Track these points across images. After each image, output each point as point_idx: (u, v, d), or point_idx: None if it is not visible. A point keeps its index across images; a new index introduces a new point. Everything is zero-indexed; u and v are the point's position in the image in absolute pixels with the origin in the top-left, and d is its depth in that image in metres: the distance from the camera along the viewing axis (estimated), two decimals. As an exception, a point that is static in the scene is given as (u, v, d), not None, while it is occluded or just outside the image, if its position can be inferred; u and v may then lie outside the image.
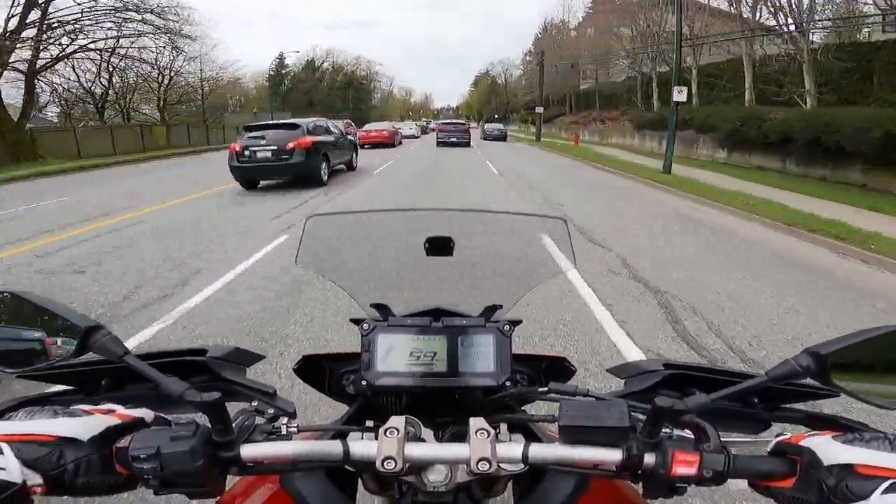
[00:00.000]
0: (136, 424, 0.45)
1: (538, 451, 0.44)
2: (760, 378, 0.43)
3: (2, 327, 0.48)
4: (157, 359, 0.55)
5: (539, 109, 28.89)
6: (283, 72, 68.99)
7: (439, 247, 0.71)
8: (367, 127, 23.21)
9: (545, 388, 0.51)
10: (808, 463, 0.41)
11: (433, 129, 33.52)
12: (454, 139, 22.70)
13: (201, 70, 34.61)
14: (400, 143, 24.25)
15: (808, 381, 0.43)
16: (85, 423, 0.41)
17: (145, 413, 0.46)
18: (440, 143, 22.62)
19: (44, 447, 0.39)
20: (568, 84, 40.84)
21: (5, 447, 0.38)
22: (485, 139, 28.17)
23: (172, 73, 30.38)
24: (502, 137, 28.44)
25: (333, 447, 0.44)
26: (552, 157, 18.08)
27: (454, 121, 26.86)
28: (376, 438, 0.44)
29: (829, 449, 0.40)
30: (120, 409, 0.45)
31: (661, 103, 22.79)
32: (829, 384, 0.41)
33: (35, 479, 0.38)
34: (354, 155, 12.96)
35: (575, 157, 17.06)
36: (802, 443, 0.42)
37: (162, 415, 0.48)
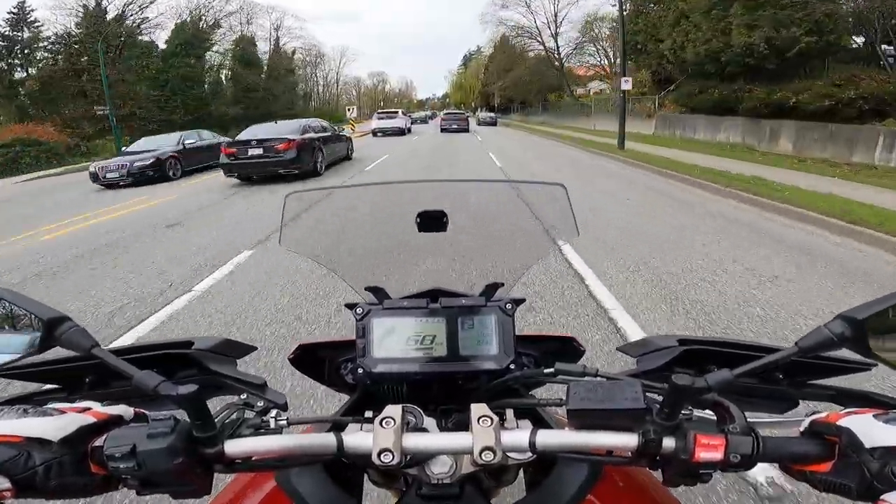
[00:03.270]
0: (114, 422, 0.45)
1: (546, 437, 0.44)
2: (790, 350, 0.41)
3: None
4: (137, 353, 0.55)
5: None
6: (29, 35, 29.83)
7: (432, 222, 0.71)
8: None
9: (552, 370, 0.51)
10: (848, 445, 0.40)
11: (405, 126, 27.91)
12: (455, 126, 30.13)
13: None
14: None
15: (839, 353, 0.42)
16: (56, 423, 0.42)
17: (124, 410, 0.46)
18: (443, 130, 29.92)
19: (10, 449, 0.39)
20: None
21: None
22: (479, 125, 38.29)
23: None
24: (493, 123, 38.95)
25: (326, 440, 0.44)
26: None
27: (455, 112, 36.23)
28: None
29: (870, 429, 0.39)
30: (97, 406, 0.45)
31: None
32: (868, 354, 0.39)
33: (2, 482, 0.38)
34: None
35: None
36: (840, 422, 0.41)
37: (144, 412, 0.48)
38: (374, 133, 26.84)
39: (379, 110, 34.23)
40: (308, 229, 0.81)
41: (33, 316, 0.45)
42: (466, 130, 28.98)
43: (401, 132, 27.21)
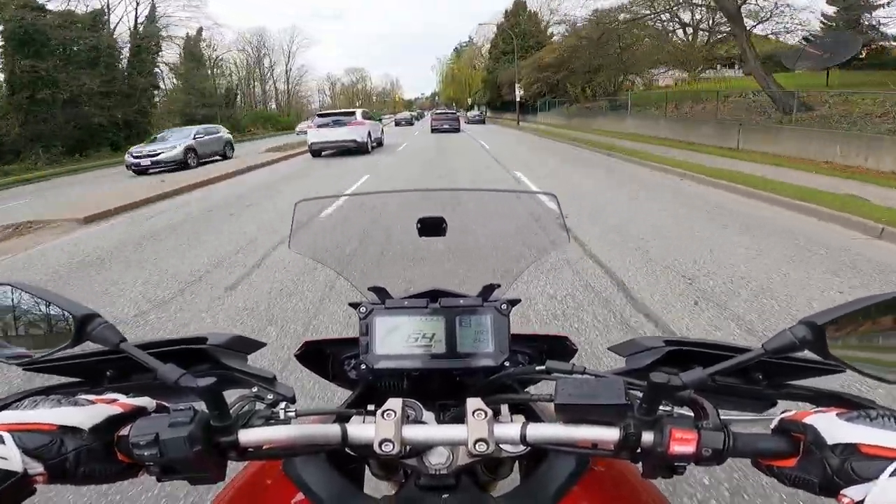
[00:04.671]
0: (138, 413, 0.52)
1: (536, 430, 0.50)
2: (757, 351, 0.48)
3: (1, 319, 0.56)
4: (157, 347, 0.62)
5: None
6: None
7: (431, 227, 0.79)
8: None
9: (543, 367, 0.58)
10: (812, 441, 0.44)
11: (366, 139, 16.93)
12: (446, 126, 28.47)
13: None
14: None
15: (811, 355, 0.48)
16: (87, 413, 0.48)
17: (147, 402, 0.53)
18: (434, 130, 28.52)
19: (45, 436, 0.45)
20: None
21: (7, 436, 0.44)
22: (467, 123, 39.10)
23: None
24: (481, 121, 41.21)
25: (331, 430, 0.51)
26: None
27: (445, 111, 34.84)
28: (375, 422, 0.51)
29: (832, 427, 0.44)
30: (122, 398, 0.52)
31: None
32: (828, 357, 0.46)
33: (36, 467, 0.44)
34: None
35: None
36: (806, 420, 0.46)
37: (164, 403, 0.55)
38: (314, 152, 17.23)
39: (320, 112, 20.85)
40: (315, 234, 0.91)
41: (66, 313, 0.52)
42: (457, 130, 29.37)
43: (358, 149, 16.98)
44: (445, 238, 0.79)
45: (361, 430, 0.51)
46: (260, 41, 58.88)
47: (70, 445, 0.46)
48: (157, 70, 35.44)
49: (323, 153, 17.12)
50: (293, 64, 64.74)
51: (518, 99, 32.03)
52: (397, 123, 48.90)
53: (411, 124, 48.22)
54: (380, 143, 19.75)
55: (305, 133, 18.71)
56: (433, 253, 0.86)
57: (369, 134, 17.61)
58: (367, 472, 0.68)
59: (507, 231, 0.99)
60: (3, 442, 0.43)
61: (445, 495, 0.56)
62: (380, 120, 21.46)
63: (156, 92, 35.56)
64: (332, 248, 0.90)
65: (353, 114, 17.77)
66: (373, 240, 0.95)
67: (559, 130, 23.94)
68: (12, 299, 0.55)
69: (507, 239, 0.98)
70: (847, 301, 0.45)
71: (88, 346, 0.54)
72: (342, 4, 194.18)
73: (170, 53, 38.79)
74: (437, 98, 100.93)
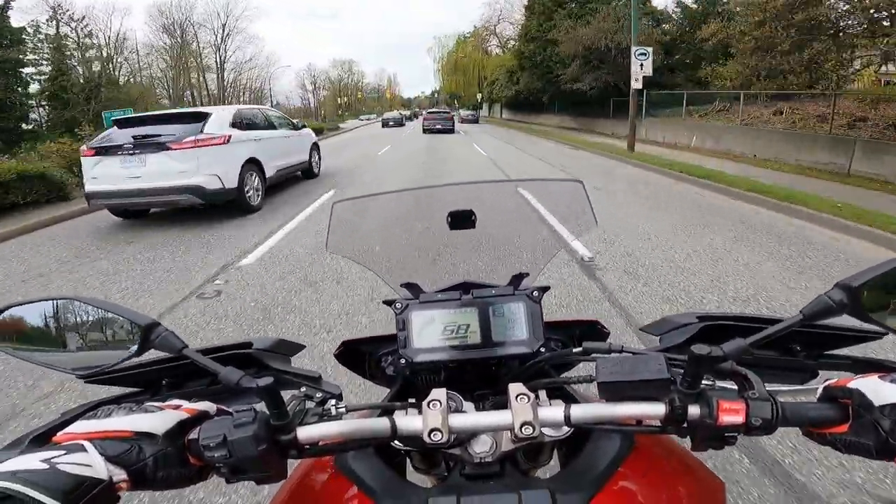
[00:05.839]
0: (203, 417, 0.55)
1: (580, 411, 0.52)
2: (795, 317, 0.49)
3: (67, 333, 0.60)
4: (209, 354, 0.65)
5: None
6: None
7: (461, 220, 0.81)
8: None
9: (580, 349, 0.61)
10: (859, 404, 0.46)
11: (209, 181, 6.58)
12: (438, 126, 28.15)
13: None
14: None
15: (850, 323, 0.50)
16: (158, 418, 0.52)
17: (209, 406, 0.57)
18: (426, 130, 28.14)
19: (123, 443, 0.48)
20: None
21: (89, 445, 0.46)
22: (462, 122, 39.28)
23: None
24: (475, 121, 41.87)
25: (381, 424, 0.54)
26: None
27: (439, 110, 34.14)
28: (420, 413, 0.54)
29: (877, 389, 0.46)
30: (186, 403, 0.56)
31: None
32: (866, 319, 0.48)
33: (120, 474, 0.46)
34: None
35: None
36: (850, 385, 0.48)
37: (223, 407, 0.58)
38: (113, 209, 7.30)
39: (117, 118, 7.35)
40: (349, 234, 0.93)
41: (129, 322, 0.56)
42: (451, 131, 28.45)
43: (215, 203, 6.88)
44: (475, 230, 0.82)
45: (409, 421, 0.53)
46: (184, 17, 44.84)
47: (148, 451, 0.48)
48: None
49: (150, 212, 7.40)
50: (230, 44, 49.24)
51: (638, 85, 13.41)
52: (384, 124, 40.87)
53: (402, 125, 40.92)
54: (309, 174, 10.68)
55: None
56: (463, 245, 0.88)
57: (258, 166, 7.69)
58: (409, 467, 0.71)
59: (534, 219, 1.01)
60: (86, 450, 0.45)
61: (491, 482, 0.58)
62: (300, 127, 10.38)
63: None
64: (366, 247, 0.93)
65: (200, 118, 7.11)
66: (404, 237, 0.97)
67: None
68: (76, 313, 0.58)
69: (534, 227, 1.00)
70: (878, 263, 0.46)
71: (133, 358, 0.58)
72: (338, 3, 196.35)
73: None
74: (436, 96, 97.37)
